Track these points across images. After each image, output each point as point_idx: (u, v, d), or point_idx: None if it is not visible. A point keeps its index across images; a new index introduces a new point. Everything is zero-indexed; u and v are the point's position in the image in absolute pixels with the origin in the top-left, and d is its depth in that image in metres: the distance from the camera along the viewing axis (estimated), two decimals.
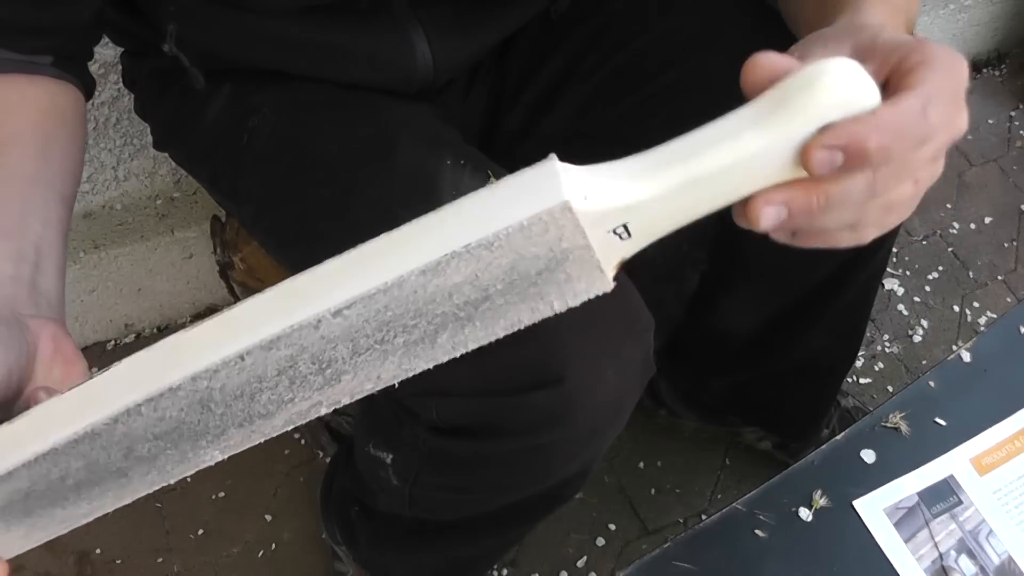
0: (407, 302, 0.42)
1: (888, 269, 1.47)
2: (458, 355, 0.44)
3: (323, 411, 0.45)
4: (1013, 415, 0.75)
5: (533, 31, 0.84)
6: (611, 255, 0.43)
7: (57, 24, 0.64)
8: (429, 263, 0.41)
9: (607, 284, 0.43)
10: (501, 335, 0.44)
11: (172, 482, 0.47)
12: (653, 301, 0.69)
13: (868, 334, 1.37)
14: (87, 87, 0.69)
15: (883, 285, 1.47)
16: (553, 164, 0.42)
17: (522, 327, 0.44)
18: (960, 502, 0.72)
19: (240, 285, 1.00)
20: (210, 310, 1.46)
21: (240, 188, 0.80)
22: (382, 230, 0.68)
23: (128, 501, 0.47)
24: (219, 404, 0.44)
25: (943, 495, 0.72)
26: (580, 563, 1.21)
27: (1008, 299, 1.47)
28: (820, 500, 0.72)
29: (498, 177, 0.69)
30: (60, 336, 0.52)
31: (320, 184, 0.73)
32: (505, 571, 1.20)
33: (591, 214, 0.41)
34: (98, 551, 1.23)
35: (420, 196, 0.68)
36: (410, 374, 0.45)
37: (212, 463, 0.47)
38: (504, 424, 0.65)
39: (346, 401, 0.45)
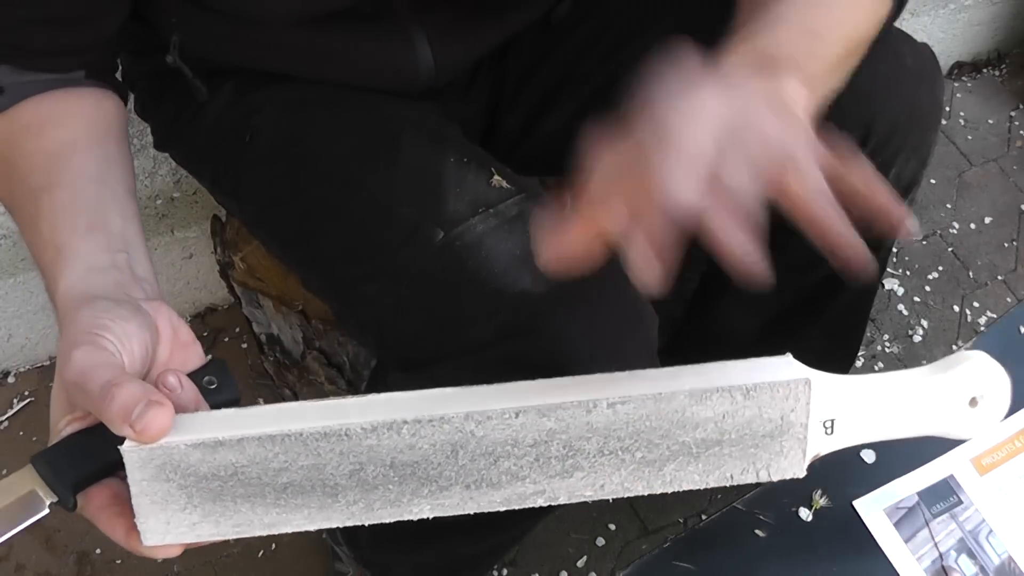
0: (665, 419, 0.47)
1: (888, 269, 1.47)
2: (667, 492, 0.49)
3: (539, 503, 0.48)
4: (1013, 415, 0.75)
5: (533, 33, 0.84)
6: (813, 446, 0.50)
7: (87, 42, 0.66)
8: (698, 389, 0.47)
9: (801, 471, 0.50)
10: (710, 485, 0.49)
11: (365, 523, 0.48)
12: (653, 301, 0.69)
13: (868, 334, 1.37)
14: (121, 94, 0.71)
15: (883, 285, 1.47)
16: (789, 357, 0.51)
17: (729, 484, 0.50)
18: (960, 502, 0.72)
19: (240, 285, 1.00)
20: (210, 310, 1.46)
21: (242, 187, 0.80)
22: (385, 228, 0.69)
23: (310, 528, 0.48)
24: (467, 454, 0.47)
25: (943, 495, 0.72)
26: (580, 563, 1.21)
27: (1008, 299, 1.47)
28: (820, 500, 0.72)
29: (502, 175, 0.69)
30: (175, 319, 0.53)
31: (323, 182, 0.73)
32: (505, 571, 1.20)
33: (818, 398, 0.49)
34: (98, 551, 1.23)
35: (424, 194, 0.68)
36: (624, 494, 0.49)
37: (415, 517, 0.48)
38: None
39: (562, 500, 0.48)
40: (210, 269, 1.38)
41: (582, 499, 0.49)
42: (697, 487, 0.50)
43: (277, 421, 0.46)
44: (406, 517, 0.48)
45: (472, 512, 0.48)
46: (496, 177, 0.69)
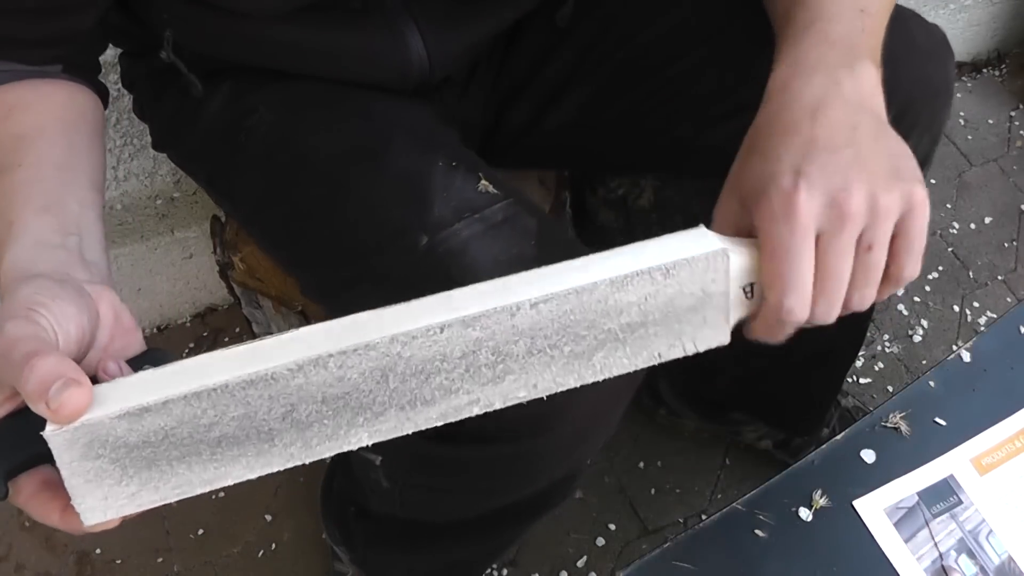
0: (589, 310, 0.48)
1: None
2: (599, 380, 0.49)
3: (475, 411, 0.48)
4: (1013, 415, 0.75)
5: (537, 33, 0.84)
6: (735, 310, 0.51)
7: (63, 34, 0.65)
8: (619, 276, 0.47)
9: (725, 337, 0.51)
10: (639, 366, 0.50)
11: (306, 463, 0.47)
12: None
13: (868, 334, 1.37)
14: (101, 95, 0.70)
15: None
16: (703, 229, 0.52)
17: (657, 361, 0.50)
18: (960, 502, 0.72)
19: (240, 285, 1.00)
20: (210, 310, 1.46)
21: (236, 188, 0.80)
22: (371, 232, 0.69)
23: (252, 476, 0.47)
24: (397, 377, 0.46)
25: (943, 495, 0.72)
26: (580, 563, 1.21)
27: (1008, 299, 1.47)
28: (820, 500, 0.72)
29: (490, 180, 0.69)
30: (118, 304, 0.53)
31: (312, 183, 0.73)
32: (505, 571, 1.20)
33: (735, 266, 0.50)
34: (98, 551, 1.23)
35: (410, 197, 0.68)
36: (557, 389, 0.49)
37: (354, 447, 0.47)
38: (488, 430, 0.64)
39: (497, 405, 0.48)
40: (210, 269, 1.38)
41: (516, 401, 0.48)
42: (627, 371, 0.50)
43: (200, 376, 0.45)
44: (345, 448, 0.47)
45: (411, 432, 0.48)
46: (483, 182, 0.69)
